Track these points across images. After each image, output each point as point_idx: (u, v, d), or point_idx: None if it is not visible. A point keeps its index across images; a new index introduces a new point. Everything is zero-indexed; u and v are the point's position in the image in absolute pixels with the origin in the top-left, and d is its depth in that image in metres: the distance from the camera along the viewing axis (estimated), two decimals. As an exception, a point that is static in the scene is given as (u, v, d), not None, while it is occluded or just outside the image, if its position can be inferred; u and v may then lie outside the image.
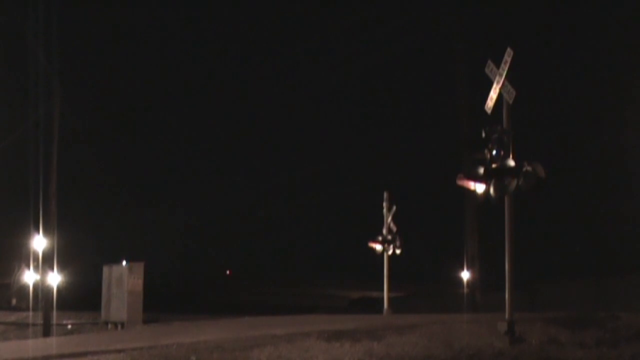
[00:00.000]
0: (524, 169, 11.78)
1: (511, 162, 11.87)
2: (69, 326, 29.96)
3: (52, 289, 29.86)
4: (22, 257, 37.48)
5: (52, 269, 30.11)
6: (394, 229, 22.53)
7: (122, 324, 25.89)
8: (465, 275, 34.70)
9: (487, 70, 12.61)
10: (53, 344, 16.88)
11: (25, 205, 28.85)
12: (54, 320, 28.73)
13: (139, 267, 26.66)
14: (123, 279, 26.35)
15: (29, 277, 30.38)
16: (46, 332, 27.39)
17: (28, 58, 29.00)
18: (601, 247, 42.38)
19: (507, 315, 12.00)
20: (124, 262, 27.08)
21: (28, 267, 30.19)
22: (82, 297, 37.38)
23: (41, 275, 29.39)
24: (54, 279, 30.71)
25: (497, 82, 12.33)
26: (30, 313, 30.54)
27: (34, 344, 17.57)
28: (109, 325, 26.82)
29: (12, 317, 34.59)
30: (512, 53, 12.18)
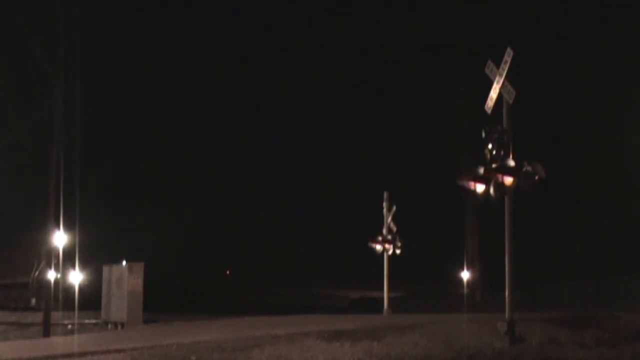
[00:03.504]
0: (524, 169, 11.79)
1: (511, 162, 11.88)
2: (69, 326, 29.93)
3: (74, 287, 29.62)
4: (42, 254, 36.62)
5: (74, 266, 29.84)
6: (394, 229, 22.52)
7: (122, 324, 25.88)
8: (465, 275, 34.68)
9: (487, 70, 12.62)
10: (53, 344, 16.89)
11: (45, 201, 28.56)
12: (76, 320, 28.53)
13: (139, 267, 26.64)
14: (123, 279, 26.34)
15: (50, 275, 29.88)
16: (46, 332, 27.37)
17: (34, 57, 28.97)
18: (601, 248, 42.39)
19: (507, 315, 12.00)
20: (124, 262, 27.06)
21: (49, 264, 29.66)
22: (83, 297, 37.22)
23: (62, 273, 29.10)
24: (76, 277, 30.48)
25: (497, 82, 12.34)
26: (50, 313, 30.17)
27: (34, 344, 17.56)
28: (109, 325, 26.81)
29: (13, 317, 34.55)
30: (512, 53, 12.19)
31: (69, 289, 30.48)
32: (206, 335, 14.34)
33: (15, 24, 28.96)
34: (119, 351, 12.04)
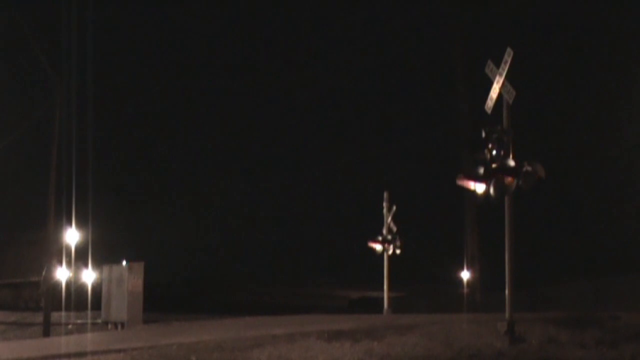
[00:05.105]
0: (524, 169, 11.78)
1: (511, 162, 11.87)
2: (69, 326, 29.93)
3: (87, 286, 29.38)
4: (50, 253, 36.26)
5: (87, 265, 29.61)
6: (394, 229, 22.51)
7: (122, 324, 25.88)
8: (465, 275, 34.69)
9: (487, 70, 12.61)
10: (53, 344, 16.89)
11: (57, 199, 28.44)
12: (89, 319, 28.44)
13: (139, 267, 26.63)
14: (123, 279, 26.33)
15: (61, 274, 29.46)
16: (46, 332, 27.37)
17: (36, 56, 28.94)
18: (601, 247, 42.40)
19: (507, 315, 11.99)
20: (124, 262, 27.05)
21: (60, 263, 29.33)
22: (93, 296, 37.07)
23: (74, 272, 28.99)
24: (89, 276, 30.24)
25: (497, 82, 12.33)
26: (63, 313, 29.98)
27: (34, 344, 17.56)
28: (109, 325, 26.81)
29: (13, 317, 34.55)
30: (512, 53, 12.17)
31: (80, 289, 30.38)
32: (206, 335, 14.34)
33: (16, 24, 28.97)
34: (119, 351, 12.04)
